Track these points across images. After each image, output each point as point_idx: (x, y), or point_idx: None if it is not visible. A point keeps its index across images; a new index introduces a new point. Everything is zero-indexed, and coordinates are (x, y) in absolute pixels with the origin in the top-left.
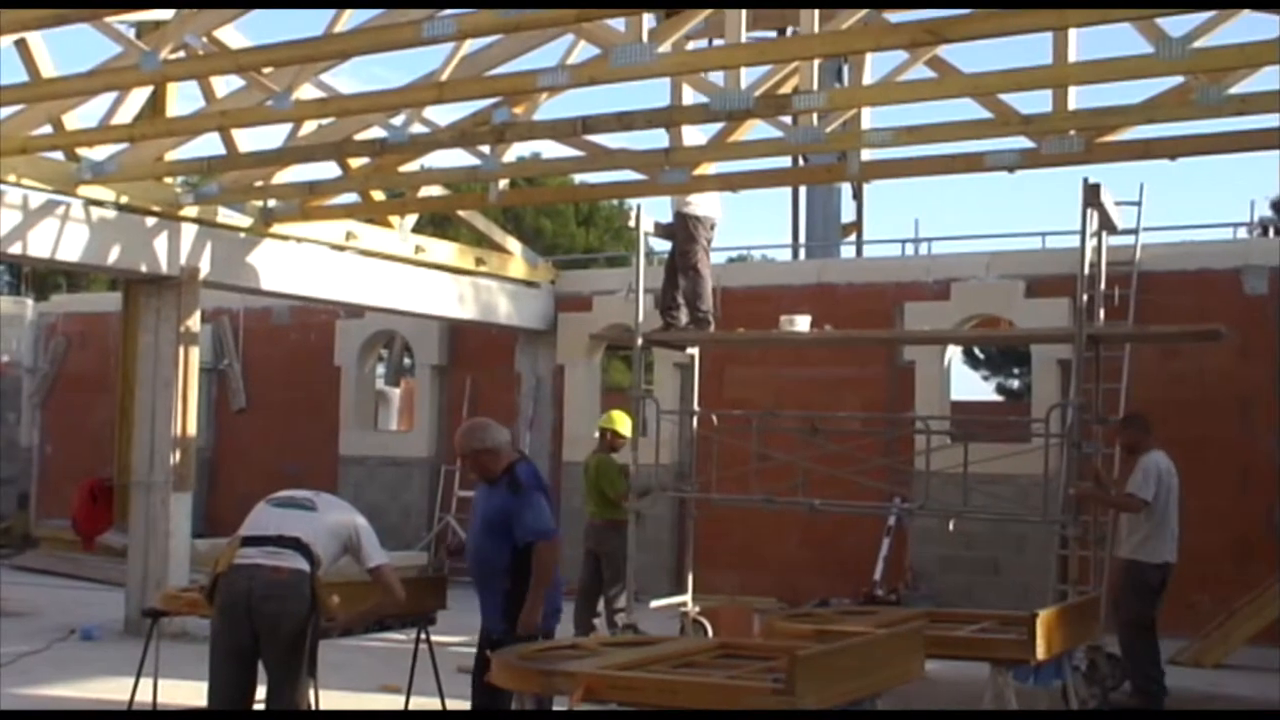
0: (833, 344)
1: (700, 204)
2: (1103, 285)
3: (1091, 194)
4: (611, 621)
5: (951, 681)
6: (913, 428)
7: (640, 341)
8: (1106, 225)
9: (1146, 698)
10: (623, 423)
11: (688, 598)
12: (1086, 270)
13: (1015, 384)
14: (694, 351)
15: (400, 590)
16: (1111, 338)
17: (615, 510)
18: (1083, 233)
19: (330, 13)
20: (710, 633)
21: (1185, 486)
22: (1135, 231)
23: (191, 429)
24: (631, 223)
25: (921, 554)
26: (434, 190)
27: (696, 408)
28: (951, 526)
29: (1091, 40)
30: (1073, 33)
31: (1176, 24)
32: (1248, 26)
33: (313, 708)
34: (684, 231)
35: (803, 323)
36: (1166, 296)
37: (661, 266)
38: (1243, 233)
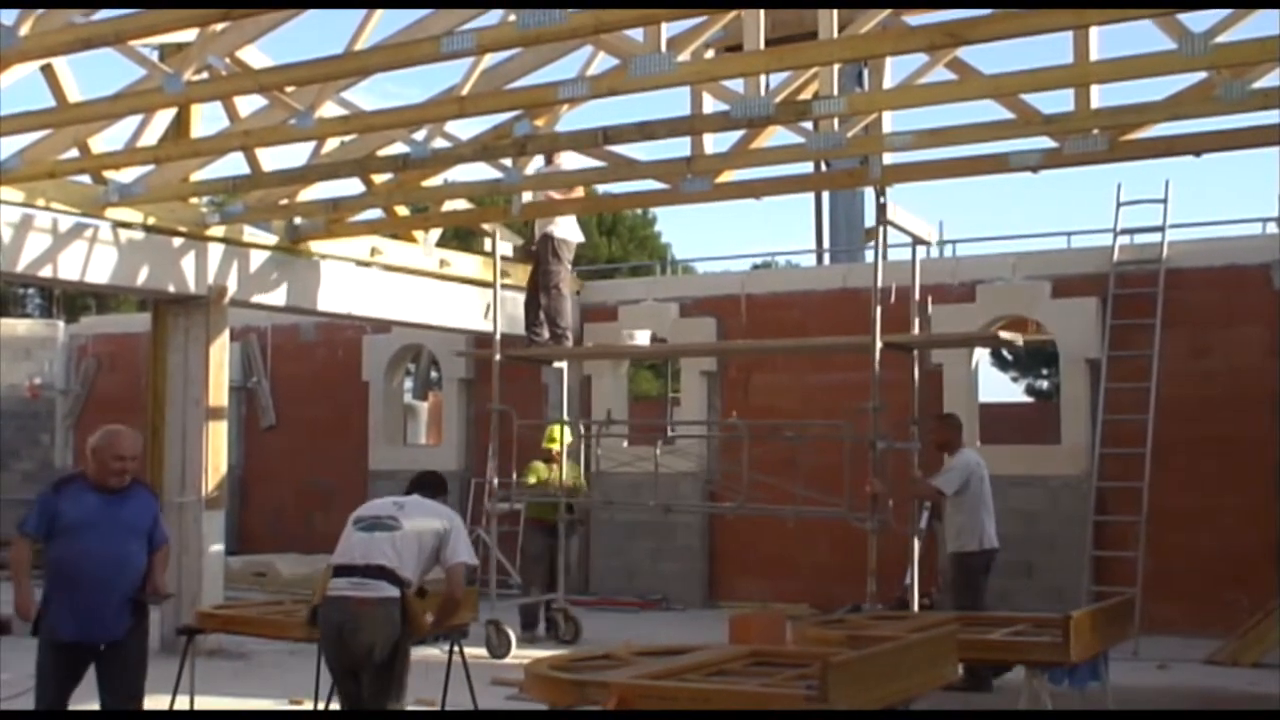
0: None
1: (563, 226)
2: (917, 295)
3: (880, 213)
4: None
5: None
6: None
7: (498, 358)
8: (918, 240)
9: (979, 684)
10: (552, 438)
11: (559, 594)
12: (881, 281)
13: (1044, 384)
14: (562, 366)
15: (459, 589)
16: (905, 344)
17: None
18: (878, 248)
19: (350, 30)
20: (580, 629)
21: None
22: (1161, 229)
23: (222, 447)
24: (488, 247)
25: None
26: (457, 204)
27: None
28: (790, 524)
29: (1112, 38)
30: (1093, 31)
31: (1198, 20)
32: (1270, 21)
33: None
34: (548, 252)
35: (642, 336)
36: (1194, 293)
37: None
38: (1272, 227)
